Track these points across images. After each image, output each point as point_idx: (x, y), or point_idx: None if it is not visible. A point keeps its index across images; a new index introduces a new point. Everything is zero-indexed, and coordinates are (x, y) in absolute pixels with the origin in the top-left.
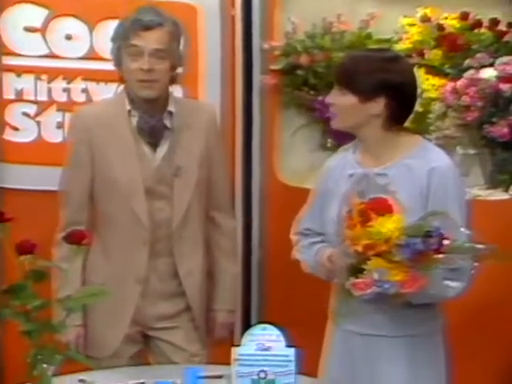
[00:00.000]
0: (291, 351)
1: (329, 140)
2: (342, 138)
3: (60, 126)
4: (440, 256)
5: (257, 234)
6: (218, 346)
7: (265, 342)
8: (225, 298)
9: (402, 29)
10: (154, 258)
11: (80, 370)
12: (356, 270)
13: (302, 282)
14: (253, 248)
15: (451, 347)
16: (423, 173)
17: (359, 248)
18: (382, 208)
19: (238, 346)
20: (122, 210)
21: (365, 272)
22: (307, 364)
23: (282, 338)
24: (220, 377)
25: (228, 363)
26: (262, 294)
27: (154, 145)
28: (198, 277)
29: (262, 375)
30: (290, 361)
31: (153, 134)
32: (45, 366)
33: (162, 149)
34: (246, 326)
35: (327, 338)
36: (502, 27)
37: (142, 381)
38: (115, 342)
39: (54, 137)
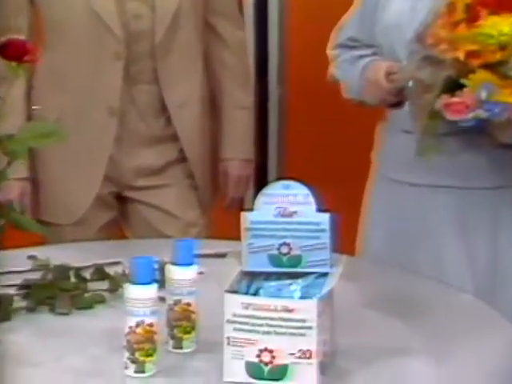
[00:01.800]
0: (324, 218)
1: None
2: None
3: None
4: None
5: (274, 63)
6: (227, 215)
7: (288, 205)
8: (237, 141)
9: None
10: (131, 84)
11: (30, 243)
12: (452, 86)
13: (335, 125)
14: (269, 84)
15: None
16: None
17: (460, 54)
18: (498, 4)
19: (251, 210)
20: (78, 14)
21: (465, 90)
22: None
23: (311, 200)
24: (223, 255)
25: (237, 238)
26: (282, 145)
27: None
28: (194, 110)
29: (285, 250)
30: (323, 230)
31: None
32: None
33: None
34: (262, 185)
35: (370, 199)
36: None
37: (117, 260)
38: (81, 206)
39: None
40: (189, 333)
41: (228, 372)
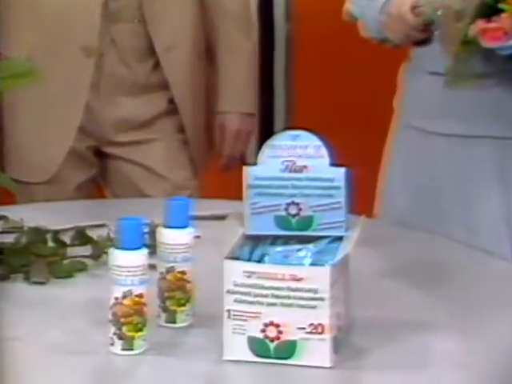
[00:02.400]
0: (339, 173)
1: None
2: None
3: None
4: None
5: None
6: (222, 178)
7: (297, 158)
8: (237, 92)
9: None
10: (111, 22)
11: None
12: (487, 12)
13: (350, 68)
14: (275, 20)
15: None
16: None
17: None
18: None
19: (254, 164)
20: None
21: (502, 15)
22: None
23: (323, 152)
24: (222, 217)
25: (238, 198)
26: (290, 90)
27: None
28: (185, 54)
29: (293, 210)
30: (338, 188)
31: None
32: None
33: None
34: (266, 136)
35: (391, 152)
36: None
37: (101, 222)
38: (54, 161)
39: None
40: (183, 305)
41: (228, 349)
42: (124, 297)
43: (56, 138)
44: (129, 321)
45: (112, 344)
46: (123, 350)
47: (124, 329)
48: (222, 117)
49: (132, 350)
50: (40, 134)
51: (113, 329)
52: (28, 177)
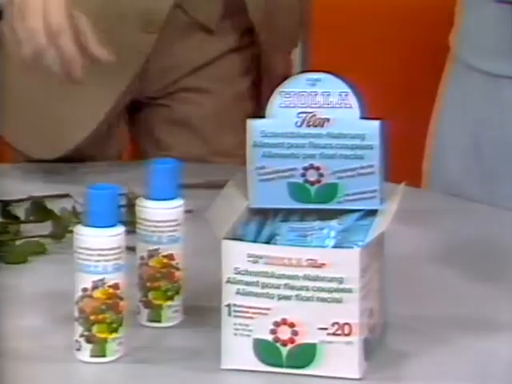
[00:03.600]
0: (373, 128)
1: None
2: None
3: None
4: None
5: None
6: None
7: (316, 109)
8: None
9: None
10: None
11: None
12: None
13: None
14: None
15: None
16: None
17: None
18: None
19: (260, 118)
20: None
21: None
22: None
23: (352, 101)
24: (220, 185)
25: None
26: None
27: None
28: None
29: (312, 177)
30: (371, 147)
31: None
32: None
33: None
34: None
35: (443, 99)
36: None
37: (63, 192)
38: (74, 137)
39: None
40: (171, 299)
41: (228, 355)
42: (94, 288)
43: (85, 115)
44: (100, 319)
45: (78, 349)
46: (93, 356)
47: (94, 329)
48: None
49: (104, 356)
50: (71, 107)
51: (80, 329)
52: (38, 152)
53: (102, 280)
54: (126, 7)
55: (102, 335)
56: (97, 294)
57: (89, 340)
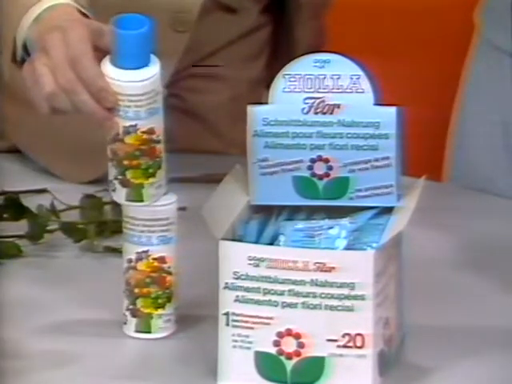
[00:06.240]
0: (389, 115)
1: None
2: None
3: None
4: None
5: None
6: None
7: (325, 94)
8: None
9: None
10: None
11: None
12: None
13: None
14: None
15: None
16: None
17: None
18: None
19: (264, 103)
20: None
21: None
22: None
23: (365, 85)
24: (217, 180)
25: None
26: None
27: None
28: None
29: (320, 170)
30: (386, 137)
31: None
32: None
33: None
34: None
35: (467, 83)
36: None
37: (40, 187)
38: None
39: None
40: (162, 307)
41: (225, 370)
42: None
43: None
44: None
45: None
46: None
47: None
48: None
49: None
50: None
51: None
52: (76, 177)
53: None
54: (154, 5)
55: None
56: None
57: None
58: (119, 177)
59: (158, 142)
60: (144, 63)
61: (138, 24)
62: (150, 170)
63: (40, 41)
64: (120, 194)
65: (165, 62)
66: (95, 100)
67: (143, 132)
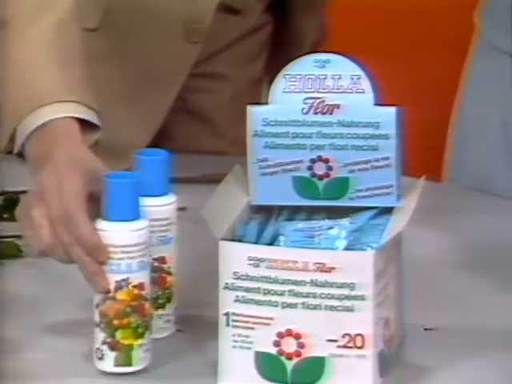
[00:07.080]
0: (388, 116)
1: None
2: None
3: None
4: None
5: None
6: None
7: (325, 94)
8: None
9: None
10: None
11: None
12: None
13: None
14: None
15: None
16: None
17: None
18: None
19: (263, 104)
20: None
21: None
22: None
23: (365, 85)
24: (217, 180)
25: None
26: None
27: None
28: None
29: (320, 170)
30: (386, 137)
31: None
32: None
33: None
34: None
35: (467, 84)
36: None
37: None
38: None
39: None
40: (162, 307)
41: (226, 371)
42: (118, 289)
43: (135, 140)
44: (125, 323)
45: (101, 358)
46: (117, 365)
47: (118, 335)
48: None
49: (130, 365)
50: (120, 133)
51: (101, 336)
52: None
53: (126, 280)
54: (167, 16)
55: (127, 341)
56: (121, 295)
57: (112, 347)
58: (108, 340)
59: (147, 299)
60: (135, 215)
61: (130, 176)
62: (140, 330)
63: (36, 179)
64: (108, 361)
65: (177, 76)
66: (88, 255)
67: (134, 286)
